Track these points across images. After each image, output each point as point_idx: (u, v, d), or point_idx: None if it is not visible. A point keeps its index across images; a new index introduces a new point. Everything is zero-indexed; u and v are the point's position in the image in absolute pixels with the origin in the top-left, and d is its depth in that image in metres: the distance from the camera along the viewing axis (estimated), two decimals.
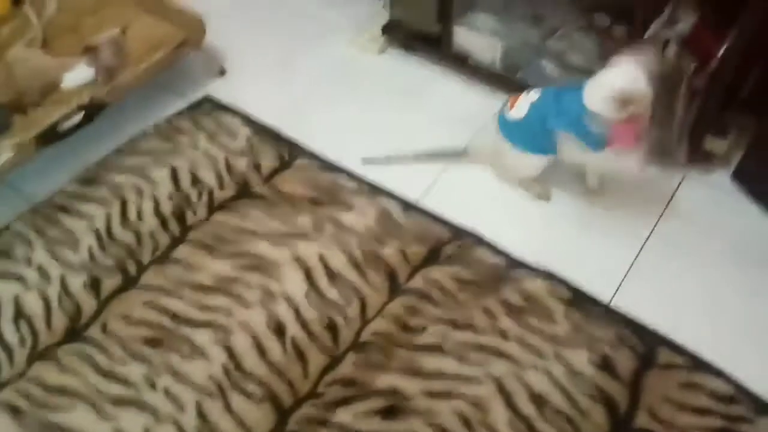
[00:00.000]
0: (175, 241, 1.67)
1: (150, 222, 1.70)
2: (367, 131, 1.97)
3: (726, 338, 1.47)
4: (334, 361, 1.43)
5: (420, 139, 1.90)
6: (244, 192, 1.78)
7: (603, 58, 1.79)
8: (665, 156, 1.75)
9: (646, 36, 1.56)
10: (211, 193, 1.77)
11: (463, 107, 2.03)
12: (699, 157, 1.76)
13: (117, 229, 1.69)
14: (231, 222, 1.70)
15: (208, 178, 1.80)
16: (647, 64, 1.42)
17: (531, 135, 1.65)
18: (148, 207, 1.73)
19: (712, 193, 1.75)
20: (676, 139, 1.69)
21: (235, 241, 1.65)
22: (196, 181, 1.79)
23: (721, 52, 1.50)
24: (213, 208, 1.74)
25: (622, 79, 1.43)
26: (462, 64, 2.08)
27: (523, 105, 1.65)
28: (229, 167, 1.84)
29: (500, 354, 1.43)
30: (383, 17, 2.20)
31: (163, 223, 1.70)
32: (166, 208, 1.73)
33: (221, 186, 1.79)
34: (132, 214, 1.72)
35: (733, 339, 1.47)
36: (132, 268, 1.61)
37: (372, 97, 2.08)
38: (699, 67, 1.54)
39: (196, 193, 1.77)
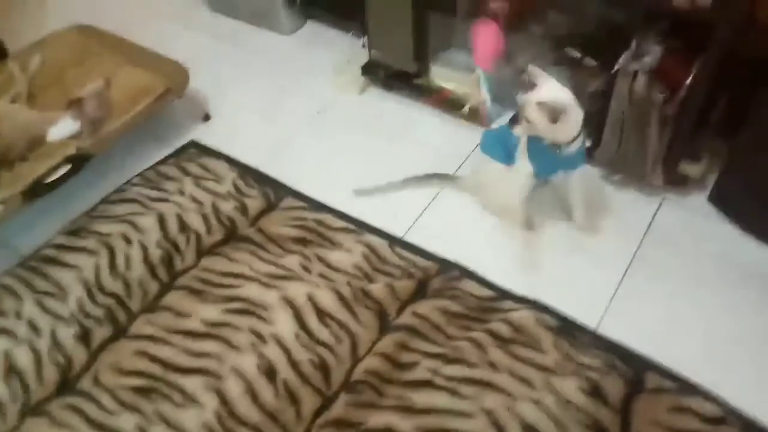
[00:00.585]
0: (164, 288, 1.68)
1: (138, 270, 1.71)
2: (353, 168, 2.01)
3: (712, 358, 1.50)
4: (327, 402, 1.44)
5: (405, 172, 1.94)
6: (231, 235, 1.80)
7: (575, 90, 1.86)
8: (642, 181, 1.80)
9: (615, 68, 1.61)
10: (198, 238, 1.79)
11: (444, 140, 2.07)
12: (675, 181, 1.81)
13: (106, 278, 1.70)
14: (219, 266, 1.72)
15: (196, 223, 1.82)
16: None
17: (507, 143, 1.69)
18: (136, 255, 1.74)
19: (689, 215, 1.80)
20: (651, 164, 1.73)
21: (223, 285, 1.67)
22: (183, 226, 1.81)
23: (689, 81, 1.56)
24: (201, 252, 1.76)
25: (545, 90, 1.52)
26: (440, 98, 2.13)
27: (505, 117, 1.71)
28: (216, 211, 1.86)
29: (491, 386, 1.43)
30: (363, 58, 2.26)
31: (152, 270, 1.71)
32: (155, 255, 1.74)
33: (209, 230, 1.81)
34: (120, 263, 1.72)
35: (719, 358, 1.50)
36: (122, 317, 1.62)
37: (356, 135, 2.13)
38: (669, 95, 1.60)
39: (184, 238, 1.78)
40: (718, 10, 1.44)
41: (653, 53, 1.58)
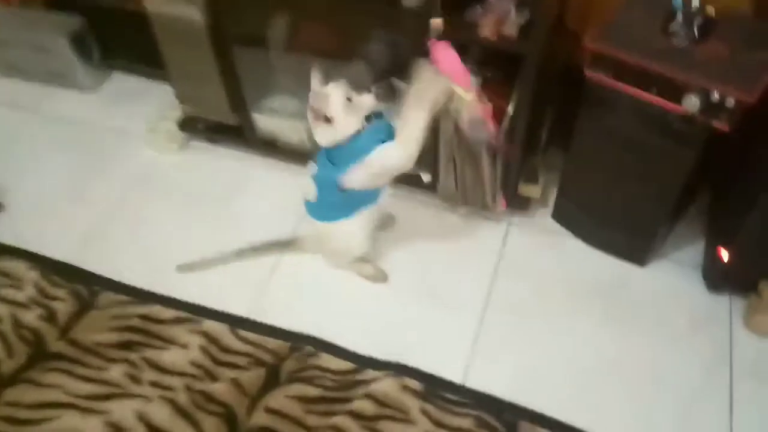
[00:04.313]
0: None
1: None
2: (184, 239, 1.77)
3: (581, 389, 1.46)
4: None
5: (245, 236, 1.74)
6: (38, 354, 1.51)
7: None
8: (486, 210, 1.75)
9: None
10: None
11: (284, 192, 1.89)
12: (518, 205, 1.78)
13: None
14: (26, 397, 1.42)
15: None
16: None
17: (334, 201, 1.53)
18: None
19: (537, 236, 1.77)
20: (491, 194, 1.68)
21: (33, 421, 1.38)
22: None
23: (510, 109, 1.51)
24: (2, 383, 1.45)
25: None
26: (272, 148, 1.96)
27: (311, 184, 1.55)
28: (16, 326, 1.55)
29: None
30: (178, 111, 2.02)
31: None
32: None
33: (9, 353, 1.50)
34: None
35: (587, 388, 1.47)
36: None
37: (181, 202, 1.89)
38: (494, 126, 1.54)
39: None
40: (524, 39, 1.39)
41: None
